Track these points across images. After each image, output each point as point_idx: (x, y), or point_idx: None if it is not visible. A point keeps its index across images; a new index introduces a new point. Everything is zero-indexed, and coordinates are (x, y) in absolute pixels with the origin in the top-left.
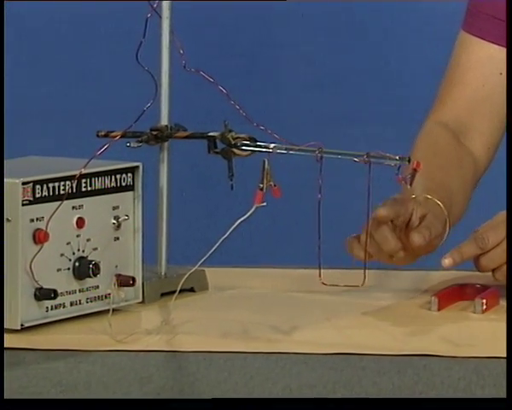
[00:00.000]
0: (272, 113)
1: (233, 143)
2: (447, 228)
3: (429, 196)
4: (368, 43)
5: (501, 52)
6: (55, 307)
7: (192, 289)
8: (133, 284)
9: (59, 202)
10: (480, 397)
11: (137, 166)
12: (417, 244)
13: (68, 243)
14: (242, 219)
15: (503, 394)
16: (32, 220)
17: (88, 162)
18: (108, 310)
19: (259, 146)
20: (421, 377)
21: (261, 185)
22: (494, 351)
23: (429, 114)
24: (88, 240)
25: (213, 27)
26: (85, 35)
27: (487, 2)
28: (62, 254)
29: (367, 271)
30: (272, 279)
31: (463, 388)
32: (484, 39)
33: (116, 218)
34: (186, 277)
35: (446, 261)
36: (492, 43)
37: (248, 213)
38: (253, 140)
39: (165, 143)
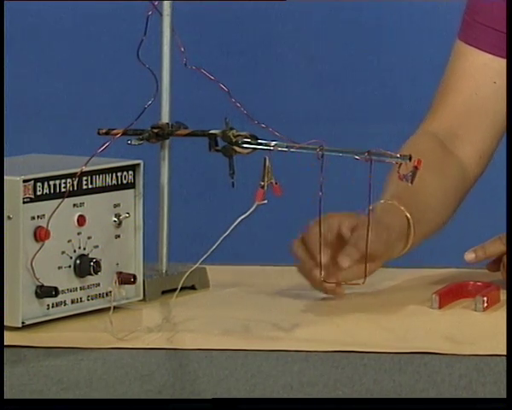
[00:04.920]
0: (273, 110)
1: (234, 140)
2: (411, 233)
3: (390, 202)
4: (368, 42)
5: (495, 61)
6: (56, 305)
7: (193, 287)
8: (134, 282)
9: (60, 200)
10: (480, 395)
11: (138, 164)
12: (345, 267)
13: (69, 241)
14: (243, 216)
15: (503, 392)
16: (32, 218)
17: (89, 160)
18: (109, 308)
19: (260, 144)
20: (422, 374)
21: (262, 183)
22: (495, 349)
23: (421, 123)
24: (89, 238)
25: (214, 25)
26: (86, 33)
27: (483, 11)
28: (63, 252)
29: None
30: (273, 277)
31: (464, 385)
32: (479, 49)
33: (117, 215)
34: (187, 274)
35: (469, 256)
36: (487, 52)
37: (249, 211)
38: (254, 138)
39: (166, 141)
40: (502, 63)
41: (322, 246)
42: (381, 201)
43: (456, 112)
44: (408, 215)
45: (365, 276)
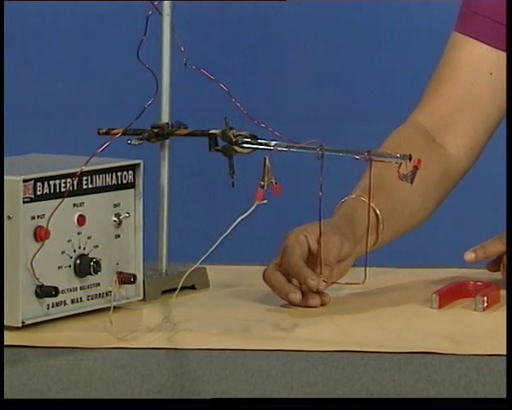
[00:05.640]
0: (273, 110)
1: (234, 140)
2: (381, 228)
3: (360, 197)
4: (369, 42)
5: (493, 53)
6: (56, 305)
7: (193, 287)
8: (134, 282)
9: (60, 200)
10: (480, 395)
11: (138, 164)
12: (323, 289)
13: (69, 241)
14: (243, 216)
15: (503, 392)
16: (33, 218)
17: (89, 160)
18: (109, 307)
19: (260, 143)
20: (421, 374)
21: (262, 183)
22: (495, 349)
23: (411, 114)
24: (89, 237)
25: (214, 25)
26: (87, 33)
27: (482, 3)
28: (63, 252)
29: (368, 268)
30: None
31: (464, 385)
32: (476, 39)
33: (117, 215)
34: (187, 274)
35: (469, 256)
36: (485, 43)
37: (249, 211)
38: (254, 137)
39: (166, 141)
40: (499, 55)
41: (304, 267)
42: (352, 196)
43: (449, 102)
44: (377, 210)
45: (365, 275)
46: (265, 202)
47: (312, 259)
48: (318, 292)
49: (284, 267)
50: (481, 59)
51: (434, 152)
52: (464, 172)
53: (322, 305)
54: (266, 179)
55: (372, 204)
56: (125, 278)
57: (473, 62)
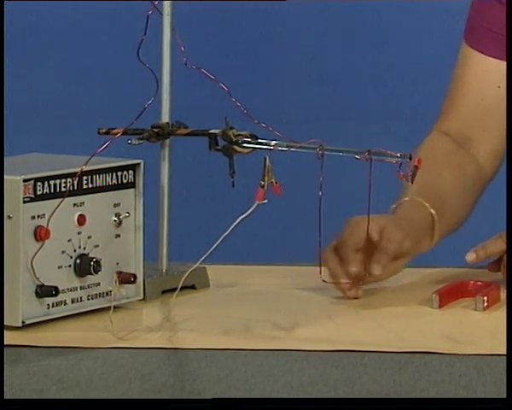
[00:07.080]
0: (273, 110)
1: (234, 140)
2: (436, 229)
3: (416, 198)
4: (369, 41)
5: (498, 65)
6: (56, 305)
7: (193, 287)
8: (134, 282)
9: (60, 200)
10: (480, 395)
11: (138, 164)
12: (378, 274)
13: (69, 241)
14: (243, 216)
15: (503, 392)
16: (33, 217)
17: (89, 159)
18: (109, 307)
19: (261, 143)
20: (422, 374)
21: (262, 183)
22: (495, 348)
23: (434, 125)
24: (89, 237)
25: (214, 25)
26: (87, 33)
27: (485, 15)
28: (63, 252)
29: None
30: (273, 277)
31: (464, 385)
32: (482, 53)
33: (117, 215)
34: (187, 274)
35: (470, 257)
36: (490, 56)
37: (249, 211)
38: (255, 137)
39: (167, 141)
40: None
41: (353, 252)
42: (406, 198)
43: (465, 118)
44: (433, 212)
45: (365, 275)
46: (265, 201)
47: (369, 248)
48: (364, 283)
49: (339, 249)
50: (488, 74)
51: (468, 158)
52: (490, 180)
53: (355, 298)
54: (266, 179)
55: (426, 204)
56: (125, 278)
57: (480, 78)
